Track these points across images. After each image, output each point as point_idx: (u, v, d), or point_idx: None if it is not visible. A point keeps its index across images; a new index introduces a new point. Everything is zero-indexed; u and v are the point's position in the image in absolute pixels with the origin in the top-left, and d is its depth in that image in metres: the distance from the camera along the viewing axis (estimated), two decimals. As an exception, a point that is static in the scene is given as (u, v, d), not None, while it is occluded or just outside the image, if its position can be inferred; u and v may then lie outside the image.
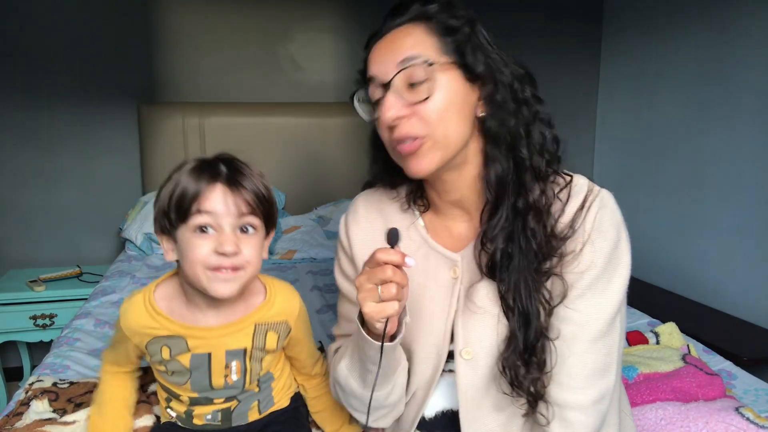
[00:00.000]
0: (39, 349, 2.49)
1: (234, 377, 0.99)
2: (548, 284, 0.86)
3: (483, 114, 0.87)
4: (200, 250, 0.88)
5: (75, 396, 1.25)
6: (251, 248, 0.91)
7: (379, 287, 0.78)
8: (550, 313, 0.85)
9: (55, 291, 2.32)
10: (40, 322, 2.30)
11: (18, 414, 1.17)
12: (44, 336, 2.33)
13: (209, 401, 1.01)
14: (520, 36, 2.93)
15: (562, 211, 0.86)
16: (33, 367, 2.50)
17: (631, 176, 2.89)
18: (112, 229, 2.68)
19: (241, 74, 2.73)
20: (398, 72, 0.82)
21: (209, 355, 0.97)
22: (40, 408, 1.18)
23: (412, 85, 0.82)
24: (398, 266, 0.78)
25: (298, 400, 1.15)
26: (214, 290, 0.89)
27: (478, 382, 0.90)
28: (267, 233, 0.97)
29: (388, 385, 0.91)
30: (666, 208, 2.65)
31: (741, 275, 2.28)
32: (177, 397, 1.03)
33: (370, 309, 0.79)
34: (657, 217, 2.68)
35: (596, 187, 0.88)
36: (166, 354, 0.96)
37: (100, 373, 1.11)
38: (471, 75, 0.85)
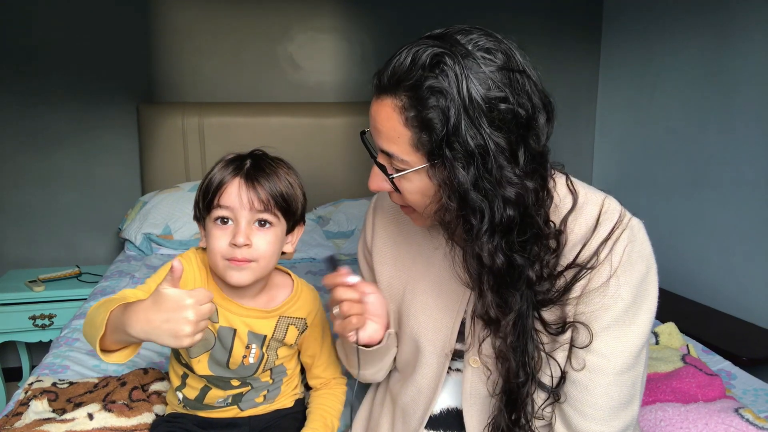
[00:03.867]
0: (38, 350, 2.49)
1: (251, 360, 1.04)
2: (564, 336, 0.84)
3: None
4: (218, 240, 0.95)
5: (74, 396, 1.25)
6: (265, 242, 0.96)
7: (335, 308, 0.88)
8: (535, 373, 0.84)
9: (55, 291, 2.31)
10: (39, 322, 2.29)
11: (17, 414, 1.17)
12: (43, 336, 2.33)
13: (227, 384, 1.05)
14: (519, 36, 2.92)
15: (588, 238, 0.82)
16: (32, 367, 2.50)
17: (631, 176, 2.88)
18: (111, 230, 2.68)
19: (241, 74, 2.73)
20: (378, 161, 0.83)
21: (234, 331, 1.02)
22: (40, 408, 1.18)
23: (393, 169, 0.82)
24: (348, 286, 0.88)
25: (301, 404, 1.17)
26: (229, 278, 0.96)
27: (483, 390, 0.91)
28: (292, 229, 1.03)
29: (373, 368, 1.01)
30: (666, 208, 2.65)
31: (741, 275, 2.28)
32: (195, 374, 1.04)
33: (337, 327, 0.92)
34: (657, 217, 2.68)
35: (627, 217, 0.83)
36: None
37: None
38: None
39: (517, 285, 0.79)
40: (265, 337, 1.04)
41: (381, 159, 0.83)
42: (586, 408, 0.83)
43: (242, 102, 2.71)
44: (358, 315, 0.89)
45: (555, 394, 0.85)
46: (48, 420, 1.13)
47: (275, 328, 1.05)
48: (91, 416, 1.13)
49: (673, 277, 2.57)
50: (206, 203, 0.96)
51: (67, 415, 1.13)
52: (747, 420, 1.09)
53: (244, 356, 1.03)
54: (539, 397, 0.86)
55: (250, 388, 1.08)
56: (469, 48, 0.74)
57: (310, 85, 2.81)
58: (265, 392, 1.10)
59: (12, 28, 2.46)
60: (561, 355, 0.85)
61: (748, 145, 2.22)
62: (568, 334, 0.83)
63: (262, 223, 0.97)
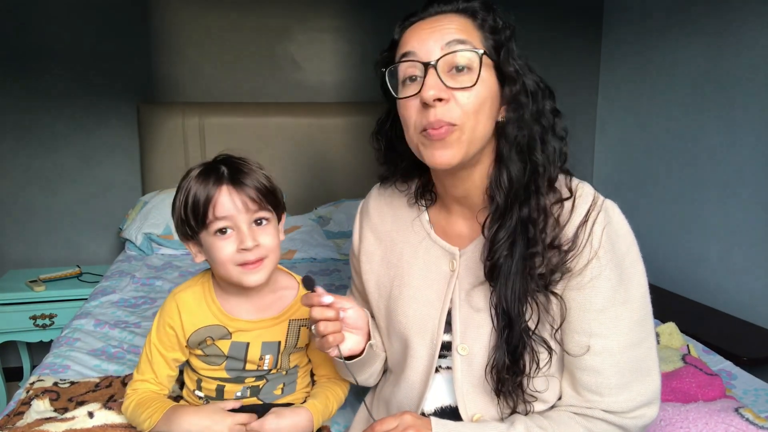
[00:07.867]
0: (39, 349, 2.49)
1: (266, 367, 1.07)
2: (552, 304, 0.87)
3: (503, 119, 0.88)
4: (225, 251, 0.97)
5: (76, 395, 1.25)
6: (268, 237, 1.00)
7: (313, 327, 0.91)
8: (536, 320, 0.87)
9: (55, 291, 2.32)
10: (40, 322, 2.30)
11: (19, 413, 1.17)
12: (44, 336, 2.33)
13: (241, 380, 1.08)
14: (520, 36, 2.93)
15: (566, 222, 0.86)
16: (33, 367, 2.50)
17: (631, 177, 2.89)
18: (112, 229, 2.68)
19: (241, 74, 2.73)
20: (447, 54, 0.82)
21: (247, 344, 1.05)
22: (42, 407, 1.19)
23: (454, 70, 0.83)
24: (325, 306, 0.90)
25: None
26: (246, 282, 0.99)
27: (473, 378, 0.92)
28: (279, 217, 1.05)
29: (364, 375, 1.05)
30: (666, 209, 2.65)
31: (741, 275, 2.28)
32: (210, 377, 1.07)
33: (317, 344, 0.93)
34: (657, 217, 2.68)
35: (600, 199, 0.87)
36: (208, 341, 1.05)
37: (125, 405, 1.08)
38: (502, 77, 0.86)
39: (528, 199, 0.86)
40: (279, 342, 1.06)
41: (446, 58, 0.84)
42: (602, 389, 0.86)
43: (243, 102, 2.71)
44: (335, 333, 0.91)
45: (546, 346, 0.88)
46: (49, 419, 1.13)
47: (287, 333, 1.07)
48: (91, 414, 1.13)
49: (673, 277, 2.58)
50: (200, 220, 0.97)
51: (68, 414, 1.14)
52: (747, 419, 1.09)
53: (258, 366, 1.07)
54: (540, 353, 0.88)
55: (265, 381, 1.10)
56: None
57: (310, 85, 2.81)
58: (281, 385, 1.11)
59: (12, 28, 2.46)
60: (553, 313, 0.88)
61: (748, 145, 2.22)
62: (556, 308, 0.87)
63: (259, 221, 1.00)
